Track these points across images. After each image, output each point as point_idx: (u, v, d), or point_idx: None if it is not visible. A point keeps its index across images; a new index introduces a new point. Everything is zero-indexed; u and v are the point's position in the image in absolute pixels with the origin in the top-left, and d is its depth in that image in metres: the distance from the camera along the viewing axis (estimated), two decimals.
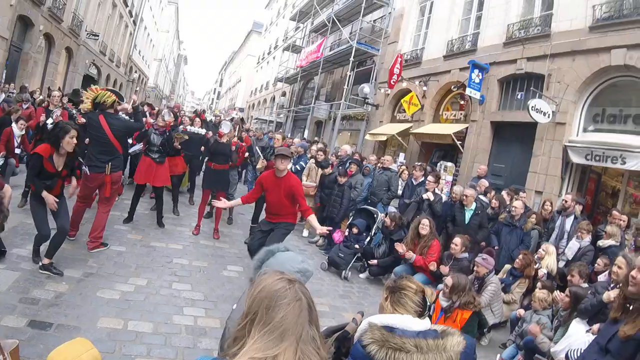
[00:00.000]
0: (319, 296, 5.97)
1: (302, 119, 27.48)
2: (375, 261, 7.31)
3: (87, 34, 22.51)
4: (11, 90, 12.37)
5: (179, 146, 8.17)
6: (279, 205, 5.51)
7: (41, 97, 12.96)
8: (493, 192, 8.66)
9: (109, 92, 6.03)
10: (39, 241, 5.00)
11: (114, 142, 5.77)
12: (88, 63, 24.30)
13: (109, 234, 6.42)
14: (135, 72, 39.83)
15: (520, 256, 6.30)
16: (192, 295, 5.24)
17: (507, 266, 6.76)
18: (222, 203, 5.38)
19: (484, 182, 9.16)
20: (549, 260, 6.46)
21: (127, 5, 30.33)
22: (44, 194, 4.75)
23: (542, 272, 6.28)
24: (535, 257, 6.53)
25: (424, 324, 2.09)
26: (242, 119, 14.89)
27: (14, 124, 8.18)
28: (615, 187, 10.05)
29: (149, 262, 5.99)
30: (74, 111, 8.92)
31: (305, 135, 24.19)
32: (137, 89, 43.01)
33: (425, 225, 6.65)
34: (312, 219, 5.38)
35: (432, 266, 6.44)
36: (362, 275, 7.47)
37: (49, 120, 7.74)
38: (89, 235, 5.90)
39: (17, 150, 8.32)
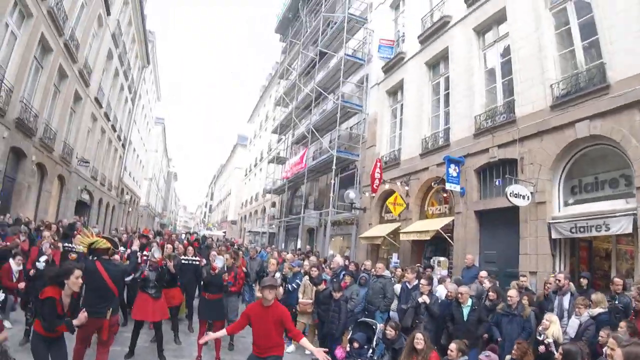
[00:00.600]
0: None
1: (294, 228, 27.85)
2: None
3: (78, 161, 23.26)
4: (7, 221, 12.65)
5: (174, 270, 8.36)
6: (268, 337, 5.48)
7: (37, 225, 13.35)
8: (488, 283, 8.81)
9: (105, 240, 6.39)
10: None
11: (111, 288, 5.95)
12: (80, 189, 24.88)
13: None
14: (127, 193, 40.67)
15: (515, 346, 6.36)
16: None
17: (508, 357, 6.79)
18: (205, 337, 5.58)
19: (484, 274, 9.33)
20: (553, 328, 6.49)
21: (115, 130, 31.59)
22: (72, 322, 4.88)
23: (549, 341, 6.31)
24: (540, 328, 6.58)
25: None
26: (236, 248, 15.09)
27: (11, 260, 8.30)
28: (608, 248, 9.98)
29: None
30: (72, 247, 9.04)
31: (299, 245, 24.47)
32: (130, 209, 43.69)
33: (419, 339, 6.51)
34: (305, 342, 5.42)
35: None
36: None
37: (42, 258, 7.86)
38: None
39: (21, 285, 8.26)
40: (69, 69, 19.45)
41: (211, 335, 5.62)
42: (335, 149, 19.79)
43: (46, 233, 9.34)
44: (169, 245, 9.35)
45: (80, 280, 5.02)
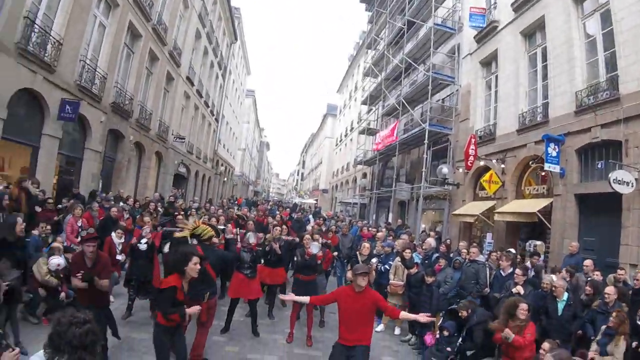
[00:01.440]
0: None
1: (385, 200, 27.92)
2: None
3: (174, 137, 24.91)
4: (109, 198, 13.88)
5: (279, 251, 8.92)
6: (357, 324, 5.50)
7: (138, 203, 14.54)
8: (594, 276, 8.48)
9: (209, 228, 7.00)
10: None
11: (211, 273, 6.43)
12: (177, 163, 26.65)
13: (207, 348, 6.78)
14: (222, 164, 42.89)
15: (614, 314, 6.16)
16: None
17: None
18: (288, 297, 5.96)
19: (589, 263, 8.98)
20: None
21: (208, 106, 33.25)
22: (188, 310, 5.11)
23: None
24: None
25: None
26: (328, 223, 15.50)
27: (113, 234, 9.04)
28: None
29: None
30: (171, 229, 9.73)
31: (390, 218, 24.61)
32: (225, 179, 45.88)
33: (524, 310, 6.33)
34: (404, 314, 5.66)
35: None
36: None
37: (143, 241, 8.46)
38: (190, 353, 6.27)
39: (119, 257, 9.07)
40: (159, 52, 20.62)
41: (294, 297, 5.99)
42: (427, 122, 19.49)
43: (147, 219, 9.98)
44: (277, 228, 9.82)
45: (198, 266, 5.19)
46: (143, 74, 19.49)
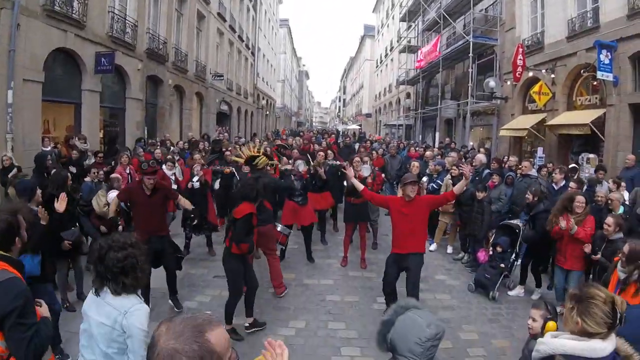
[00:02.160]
0: (467, 323, 6.17)
1: (431, 119, 27.61)
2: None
3: (212, 76, 25.08)
4: (154, 142, 14.33)
5: (324, 176, 9.04)
6: (410, 232, 5.69)
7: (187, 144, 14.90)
8: None
9: (264, 157, 7.45)
10: (232, 304, 5.48)
11: (264, 202, 6.54)
12: (218, 102, 27.02)
13: (265, 277, 7.06)
14: (263, 98, 43.14)
15: None
16: (347, 334, 5.73)
17: None
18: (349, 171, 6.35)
19: None
20: None
21: (242, 40, 33.03)
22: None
23: None
24: None
25: (608, 347, 2.15)
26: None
27: (163, 166, 9.55)
28: None
29: (304, 302, 6.65)
30: (218, 167, 10.04)
31: (437, 137, 24.35)
32: (267, 113, 46.20)
33: (581, 203, 6.28)
34: (458, 186, 5.79)
35: (587, 248, 6.07)
36: (511, 293, 7.36)
37: (195, 179, 8.66)
38: (273, 283, 6.79)
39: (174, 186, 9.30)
40: None
41: (351, 177, 6.36)
42: (471, 35, 18.82)
43: (196, 155, 10.20)
44: (321, 154, 9.83)
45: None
46: (173, 16, 19.39)
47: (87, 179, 8.32)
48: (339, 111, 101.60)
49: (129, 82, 15.36)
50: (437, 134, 24.89)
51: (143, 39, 16.11)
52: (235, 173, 9.57)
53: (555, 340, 2.28)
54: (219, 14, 25.87)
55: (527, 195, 7.52)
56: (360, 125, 51.43)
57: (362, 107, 61.07)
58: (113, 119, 15.35)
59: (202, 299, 6.70)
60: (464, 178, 5.74)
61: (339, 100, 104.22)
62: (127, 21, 14.88)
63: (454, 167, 9.46)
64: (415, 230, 5.71)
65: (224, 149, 12.49)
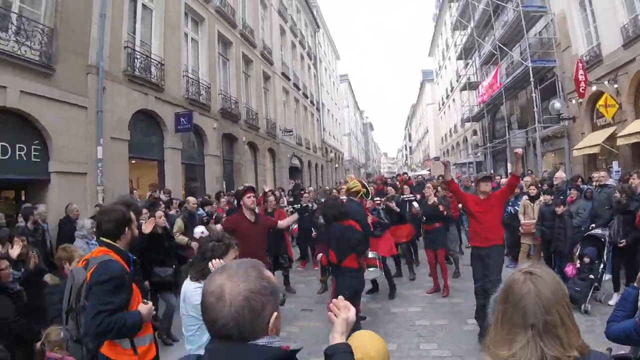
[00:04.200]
0: None
1: (501, 152, 27.38)
2: (622, 242, 7.00)
3: (282, 132, 26.27)
4: (232, 193, 15.00)
5: (398, 208, 9.41)
6: (488, 226, 5.97)
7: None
8: None
9: (359, 184, 7.89)
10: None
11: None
12: (289, 157, 28.03)
13: None
14: (331, 151, 44.13)
15: None
16: (440, 354, 5.82)
17: None
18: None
19: None
20: None
21: (307, 97, 34.50)
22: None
23: None
24: None
25: None
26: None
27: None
28: None
29: (394, 328, 6.80)
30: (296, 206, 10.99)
31: (509, 169, 24.07)
32: (337, 166, 47.07)
33: None
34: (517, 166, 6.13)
35: None
36: (611, 302, 7.02)
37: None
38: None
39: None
40: (251, 54, 21.80)
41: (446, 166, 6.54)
42: (528, 60, 18.96)
43: (270, 198, 10.85)
44: (391, 188, 10.62)
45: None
46: (241, 77, 20.69)
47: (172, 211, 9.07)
48: (406, 159, 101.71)
49: (207, 140, 16.48)
50: (508, 166, 24.61)
51: (217, 100, 17.32)
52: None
53: None
54: (282, 73, 27.28)
55: (615, 195, 7.49)
56: (429, 170, 51.27)
57: (429, 152, 61.08)
58: (193, 174, 16.42)
59: (291, 329, 7.01)
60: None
61: (405, 149, 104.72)
62: (201, 84, 16.12)
63: (532, 187, 9.59)
64: (492, 225, 5.99)
65: (302, 191, 13.18)
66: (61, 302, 3.35)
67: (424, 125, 65.27)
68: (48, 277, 5.49)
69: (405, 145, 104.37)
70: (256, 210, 6.45)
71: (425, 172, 50.56)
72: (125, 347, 2.93)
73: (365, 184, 8.87)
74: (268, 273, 1.44)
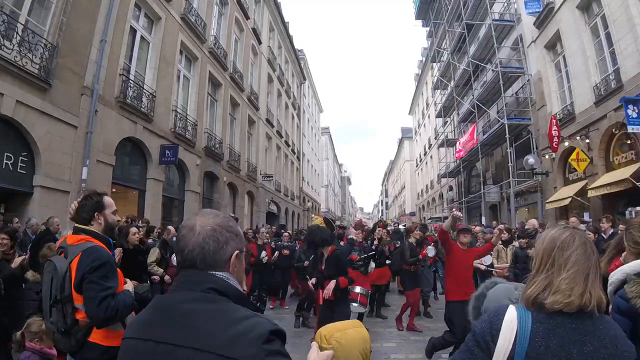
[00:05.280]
0: None
1: (476, 208, 27.78)
2: None
3: (262, 176, 26.50)
4: None
5: (388, 253, 9.72)
6: (469, 278, 6.12)
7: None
8: None
9: (322, 219, 8.43)
10: None
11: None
12: (267, 202, 28.15)
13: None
14: (308, 201, 44.41)
15: None
16: None
17: None
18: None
19: None
20: None
21: (288, 145, 35.05)
22: None
23: None
24: None
25: None
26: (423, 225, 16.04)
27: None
28: None
29: None
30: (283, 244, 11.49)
31: (483, 222, 24.44)
32: (312, 215, 47.06)
33: None
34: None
35: None
36: None
37: (263, 254, 9.72)
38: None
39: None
40: (238, 98, 22.25)
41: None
42: (505, 117, 19.63)
43: (263, 229, 11.48)
44: (383, 230, 10.78)
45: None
46: (227, 119, 21.04)
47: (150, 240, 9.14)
48: (382, 214, 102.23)
49: (189, 176, 16.56)
50: (483, 219, 24.98)
51: (202, 137, 17.55)
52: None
53: (624, 266, 2.58)
54: (267, 119, 27.82)
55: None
56: (404, 225, 51.53)
57: (405, 207, 61.62)
58: (172, 208, 16.38)
59: None
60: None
61: (382, 204, 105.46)
62: (188, 120, 16.38)
63: (503, 231, 9.37)
64: (470, 277, 6.18)
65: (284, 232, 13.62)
66: (38, 296, 3.30)
67: (401, 181, 66.15)
68: (29, 274, 5.50)
69: (382, 201, 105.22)
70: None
71: (401, 226, 50.78)
72: (118, 329, 2.93)
73: (329, 219, 9.17)
74: (235, 223, 1.59)
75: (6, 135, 8.98)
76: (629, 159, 13.67)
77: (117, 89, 12.06)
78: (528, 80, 19.96)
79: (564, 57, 16.86)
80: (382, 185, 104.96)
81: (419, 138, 50.68)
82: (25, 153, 9.37)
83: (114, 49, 11.75)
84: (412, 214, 54.27)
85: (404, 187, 62.76)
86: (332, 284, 5.53)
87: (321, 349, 1.79)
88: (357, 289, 7.13)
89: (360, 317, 8.58)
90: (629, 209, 12.26)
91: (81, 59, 10.54)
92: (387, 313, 10.27)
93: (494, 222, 20.56)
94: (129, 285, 3.10)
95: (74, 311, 2.86)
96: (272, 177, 27.85)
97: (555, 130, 15.76)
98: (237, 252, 1.51)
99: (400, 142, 64.31)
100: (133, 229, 7.06)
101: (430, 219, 41.34)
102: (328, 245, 5.98)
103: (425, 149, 45.55)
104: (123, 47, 12.39)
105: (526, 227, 11.41)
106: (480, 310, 2.22)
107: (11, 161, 9.04)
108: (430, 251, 9.28)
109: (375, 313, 9.98)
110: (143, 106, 13.20)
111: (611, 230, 8.67)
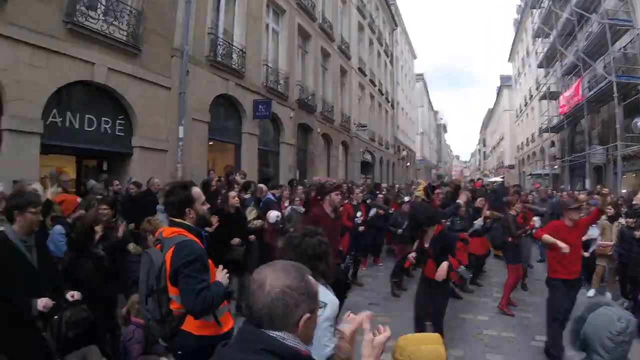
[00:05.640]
0: None
1: (579, 168, 26.14)
2: None
3: (356, 126, 26.52)
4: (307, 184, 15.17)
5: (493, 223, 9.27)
6: (575, 257, 5.65)
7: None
8: None
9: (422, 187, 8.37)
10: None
11: None
12: (362, 151, 28.29)
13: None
14: (403, 150, 43.88)
15: None
16: None
17: None
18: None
19: None
20: None
21: (382, 94, 34.59)
22: None
23: None
24: None
25: None
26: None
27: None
28: None
29: (462, 334, 6.70)
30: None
31: (587, 185, 22.98)
32: (408, 164, 46.79)
33: None
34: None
35: None
36: None
37: (358, 214, 9.39)
38: None
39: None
40: (329, 48, 22.00)
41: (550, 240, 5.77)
42: (613, 74, 18.05)
43: (357, 190, 10.92)
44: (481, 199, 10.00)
45: None
46: (319, 70, 21.00)
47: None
48: (479, 164, 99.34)
49: (283, 128, 16.88)
50: (586, 182, 23.48)
51: (294, 90, 17.67)
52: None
53: None
54: (359, 68, 27.46)
55: None
56: (502, 177, 49.70)
57: (503, 159, 59.40)
58: (268, 160, 16.80)
59: None
60: None
61: (479, 154, 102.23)
62: (279, 73, 16.49)
63: (609, 207, 8.89)
64: (579, 255, 5.76)
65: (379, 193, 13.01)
66: (138, 266, 3.45)
67: (500, 131, 63.44)
68: (131, 246, 5.88)
69: (479, 150, 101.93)
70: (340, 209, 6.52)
71: (498, 179, 49.10)
72: (208, 319, 3.06)
73: (429, 188, 8.78)
74: (311, 279, 1.58)
75: (102, 101, 9.48)
76: None
77: (206, 48, 12.26)
78: (638, 34, 18.07)
79: None
80: (480, 133, 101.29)
81: (519, 87, 47.85)
82: (122, 117, 9.90)
83: (199, 9, 11.88)
84: (512, 166, 52.13)
85: (503, 137, 60.13)
86: (444, 265, 5.26)
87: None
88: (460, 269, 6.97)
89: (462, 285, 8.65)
90: None
91: (168, 21, 10.77)
92: (482, 280, 9.93)
93: (598, 186, 19.32)
94: (220, 276, 3.21)
95: (169, 301, 3.03)
96: (366, 126, 27.75)
97: None
98: (308, 315, 1.51)
99: (500, 90, 61.21)
100: (232, 193, 7.26)
101: (530, 175, 39.49)
102: (435, 224, 5.67)
103: (525, 99, 42.98)
104: (209, 6, 12.54)
105: (634, 202, 10.44)
106: (579, 335, 2.15)
107: (109, 125, 9.60)
108: (537, 222, 8.74)
109: (469, 281, 9.41)
110: (234, 63, 13.39)
111: None
